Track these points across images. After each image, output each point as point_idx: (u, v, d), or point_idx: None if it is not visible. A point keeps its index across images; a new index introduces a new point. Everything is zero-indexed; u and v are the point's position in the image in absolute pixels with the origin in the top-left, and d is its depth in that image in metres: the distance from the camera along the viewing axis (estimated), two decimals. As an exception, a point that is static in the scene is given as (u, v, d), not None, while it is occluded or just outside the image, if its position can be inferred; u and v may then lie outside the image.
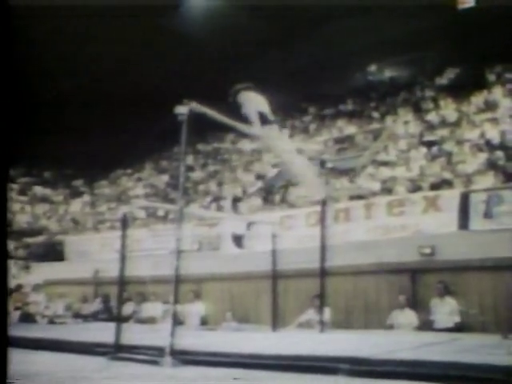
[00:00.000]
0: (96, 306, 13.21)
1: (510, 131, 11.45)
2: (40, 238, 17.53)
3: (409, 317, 9.17)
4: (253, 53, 15.50)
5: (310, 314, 9.33)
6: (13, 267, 14.68)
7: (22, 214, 19.40)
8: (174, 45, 15.33)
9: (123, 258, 6.59)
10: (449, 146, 12.11)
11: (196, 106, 5.97)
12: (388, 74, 18.03)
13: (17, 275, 14.66)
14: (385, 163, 12.62)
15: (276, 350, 5.59)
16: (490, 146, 11.36)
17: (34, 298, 13.55)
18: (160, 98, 12.21)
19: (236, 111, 6.75)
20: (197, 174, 17.59)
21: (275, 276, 8.47)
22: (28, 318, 12.47)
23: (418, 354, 4.89)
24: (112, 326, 6.45)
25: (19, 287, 13.71)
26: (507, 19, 11.09)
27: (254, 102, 6.86)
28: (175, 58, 15.67)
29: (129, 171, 21.00)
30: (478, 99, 13.67)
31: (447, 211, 9.55)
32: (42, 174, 22.16)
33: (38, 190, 21.25)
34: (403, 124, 14.17)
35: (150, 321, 11.72)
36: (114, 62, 15.73)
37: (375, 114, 15.76)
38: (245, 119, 6.79)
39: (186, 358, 5.37)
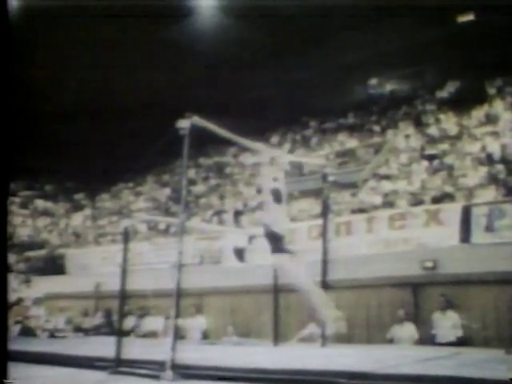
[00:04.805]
0: (97, 319, 13.18)
1: (510, 145, 11.47)
2: (41, 252, 17.52)
3: (408, 331, 9.14)
4: (254, 66, 15.56)
5: (312, 329, 9.28)
6: (13, 281, 14.67)
7: (23, 227, 19.40)
8: (177, 58, 15.40)
9: (124, 272, 6.58)
10: (450, 160, 12.12)
11: (197, 120, 5.92)
12: (389, 87, 18.07)
13: (17, 289, 14.64)
14: (386, 177, 12.63)
15: (277, 364, 5.56)
16: (490, 159, 11.37)
17: (35, 312, 13.52)
18: (162, 111, 12.26)
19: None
20: (198, 188, 17.60)
21: (277, 290, 8.44)
22: (28, 332, 12.43)
23: (419, 369, 4.86)
24: (113, 340, 6.43)
25: (20, 301, 13.67)
26: (507, 32, 11.19)
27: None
28: (177, 71, 15.74)
29: (130, 185, 21.01)
30: (478, 113, 13.70)
31: (449, 225, 9.54)
32: (43, 188, 22.19)
33: (39, 203, 21.27)
34: (404, 138, 14.18)
35: (151, 335, 11.70)
36: (116, 76, 15.79)
37: (376, 128, 15.78)
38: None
39: (186, 372, 5.34)
